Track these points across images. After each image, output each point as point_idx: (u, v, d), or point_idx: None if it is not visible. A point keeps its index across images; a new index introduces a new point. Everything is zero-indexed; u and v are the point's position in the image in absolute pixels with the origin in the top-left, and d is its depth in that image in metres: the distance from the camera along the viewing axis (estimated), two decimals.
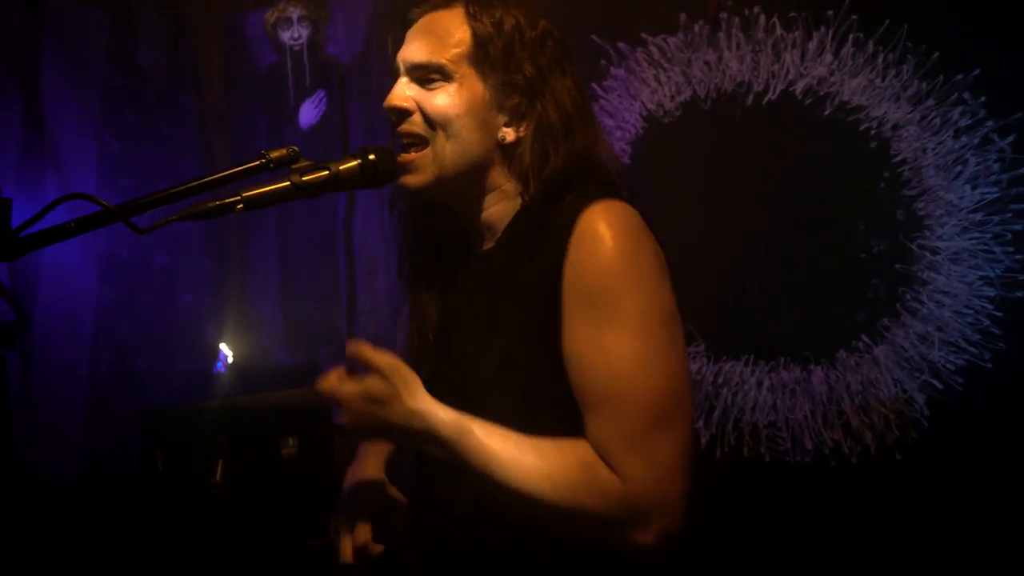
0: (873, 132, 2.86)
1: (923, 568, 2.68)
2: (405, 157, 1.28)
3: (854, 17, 2.84)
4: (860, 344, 2.89)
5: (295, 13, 3.79)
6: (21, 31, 3.52)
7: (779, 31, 2.94)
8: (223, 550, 2.62)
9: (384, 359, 1.13)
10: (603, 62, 3.13)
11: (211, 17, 3.93)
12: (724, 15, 3.00)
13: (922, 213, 2.81)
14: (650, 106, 3.11)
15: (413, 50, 1.28)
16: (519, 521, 1.16)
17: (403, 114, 1.28)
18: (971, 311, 2.76)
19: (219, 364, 3.56)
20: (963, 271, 2.77)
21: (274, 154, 1.21)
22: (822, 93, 2.91)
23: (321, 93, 3.82)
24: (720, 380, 3.01)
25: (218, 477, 2.60)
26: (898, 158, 2.84)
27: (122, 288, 3.71)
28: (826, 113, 2.91)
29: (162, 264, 3.78)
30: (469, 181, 1.28)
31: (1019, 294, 2.71)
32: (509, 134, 1.27)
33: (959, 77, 2.73)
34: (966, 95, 2.73)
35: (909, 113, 2.81)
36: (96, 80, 3.67)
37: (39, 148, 3.55)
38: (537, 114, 1.26)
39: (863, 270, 2.88)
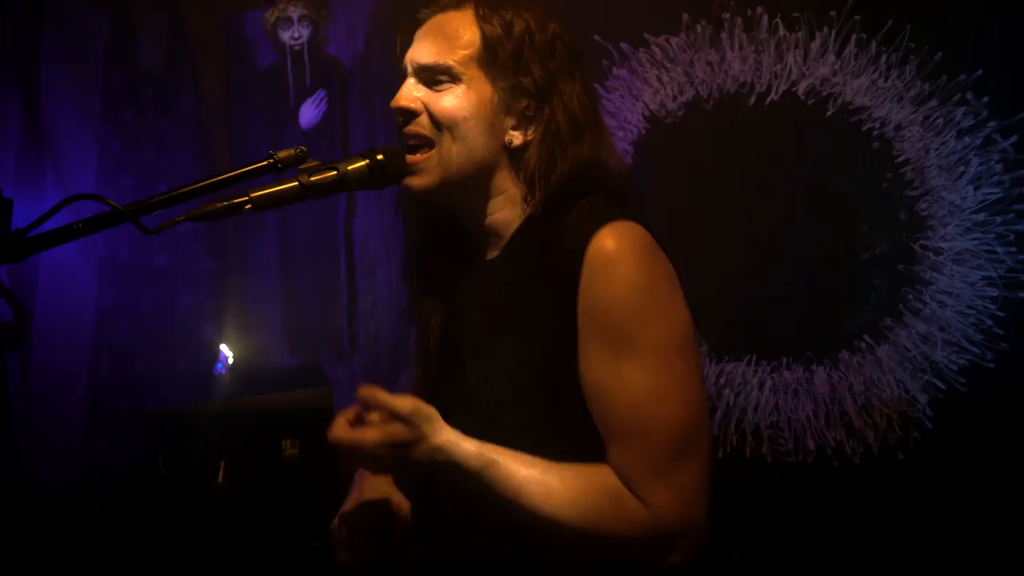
0: (876, 132, 2.86)
1: (926, 568, 2.68)
2: (410, 158, 1.27)
3: (857, 17, 2.84)
4: (863, 344, 2.89)
5: (295, 13, 3.78)
6: (21, 30, 3.50)
7: (782, 31, 2.94)
8: (225, 552, 2.60)
9: (404, 403, 1.09)
10: (605, 62, 3.12)
11: (211, 16, 3.92)
12: (727, 15, 2.99)
13: (925, 213, 2.82)
14: (652, 106, 3.11)
15: (421, 51, 1.27)
16: (537, 542, 1.16)
17: (410, 115, 1.26)
18: (974, 311, 2.76)
19: (219, 365, 3.55)
20: (966, 271, 2.77)
21: (282, 154, 1.20)
22: (825, 93, 2.91)
23: (321, 93, 3.81)
24: (723, 380, 3.01)
25: (220, 479, 2.59)
26: (901, 158, 2.84)
27: (122, 289, 3.69)
28: (829, 113, 2.91)
29: (162, 265, 3.76)
30: (474, 184, 1.27)
31: (1022, 294, 2.71)
32: (516, 138, 1.25)
33: (962, 78, 2.73)
34: (969, 95, 2.73)
35: (912, 113, 2.81)
36: (96, 79, 3.65)
37: (38, 148, 3.53)
38: (545, 118, 1.24)
39: (866, 270, 2.88)
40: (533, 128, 1.25)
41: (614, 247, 1.15)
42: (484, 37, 1.25)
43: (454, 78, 1.24)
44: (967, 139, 2.74)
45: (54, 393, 3.49)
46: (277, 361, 3.83)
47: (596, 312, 1.15)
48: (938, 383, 2.79)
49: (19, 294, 3.33)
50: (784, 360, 2.97)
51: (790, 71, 2.94)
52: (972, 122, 2.73)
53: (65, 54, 3.57)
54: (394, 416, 1.09)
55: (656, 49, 3.10)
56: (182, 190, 1.16)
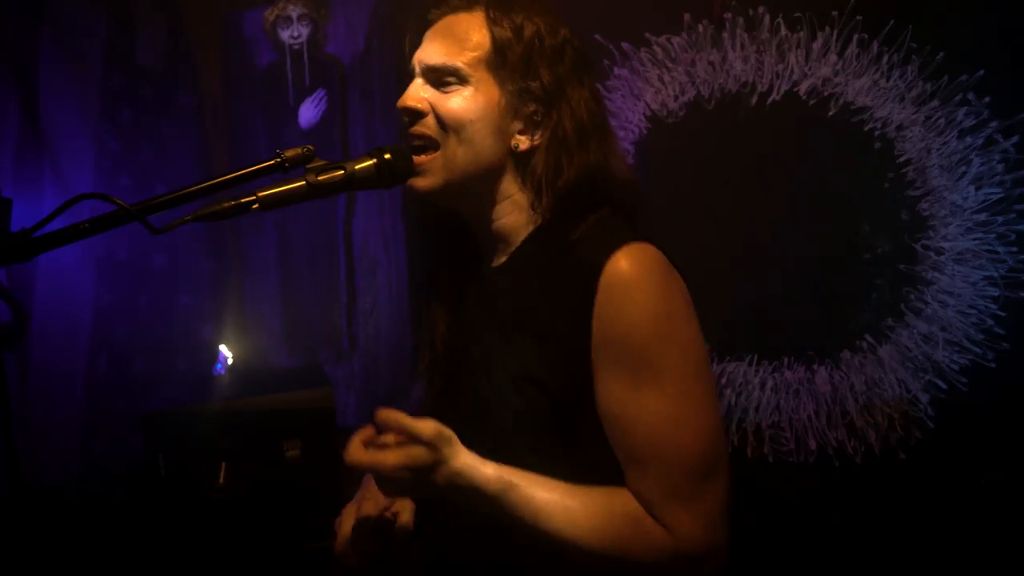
0: (877, 132, 2.86)
1: (929, 568, 2.68)
2: (415, 159, 1.26)
3: (859, 17, 2.84)
4: (864, 344, 2.89)
5: (295, 11, 3.77)
6: (19, 29, 3.49)
7: (783, 31, 2.94)
8: (225, 553, 2.60)
9: (426, 427, 1.08)
10: (607, 62, 3.12)
11: (210, 15, 3.91)
12: (728, 15, 2.99)
13: (926, 213, 2.82)
14: (654, 106, 3.10)
15: (430, 52, 1.26)
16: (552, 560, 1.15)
17: (416, 115, 1.25)
18: (975, 311, 2.77)
19: (218, 365, 3.54)
20: (967, 271, 2.77)
21: (289, 153, 1.19)
22: (826, 93, 2.91)
23: (321, 92, 3.80)
24: (724, 380, 3.01)
25: (221, 480, 2.59)
26: (902, 158, 2.84)
27: (120, 289, 3.67)
28: (830, 113, 2.91)
29: (161, 265, 3.75)
30: (479, 187, 1.26)
31: (1023, 294, 2.71)
32: (523, 142, 1.24)
33: (963, 78, 2.73)
34: (970, 96, 2.73)
35: (913, 114, 2.81)
36: (94, 78, 3.64)
37: (37, 147, 3.52)
38: (552, 124, 1.24)
39: (867, 270, 2.88)
40: (540, 133, 1.24)
41: (632, 272, 1.14)
42: (494, 40, 1.24)
43: (462, 80, 1.23)
44: (968, 139, 2.74)
45: (52, 393, 3.47)
46: (276, 361, 3.82)
47: (614, 338, 1.14)
48: (940, 383, 2.79)
49: (17, 294, 3.33)
50: (785, 360, 2.97)
51: (792, 71, 2.94)
52: (974, 122, 2.73)
53: (63, 53, 3.56)
54: (414, 439, 1.07)
55: (657, 49, 3.09)
56: (189, 189, 1.14)
